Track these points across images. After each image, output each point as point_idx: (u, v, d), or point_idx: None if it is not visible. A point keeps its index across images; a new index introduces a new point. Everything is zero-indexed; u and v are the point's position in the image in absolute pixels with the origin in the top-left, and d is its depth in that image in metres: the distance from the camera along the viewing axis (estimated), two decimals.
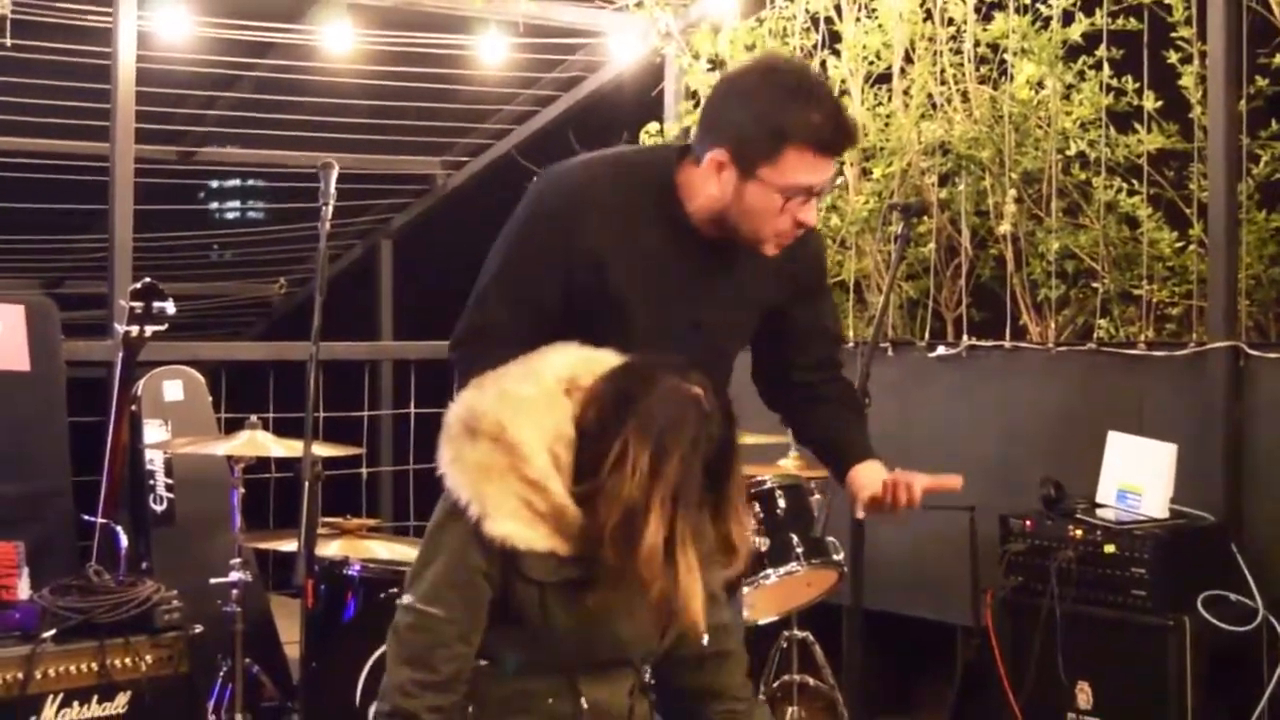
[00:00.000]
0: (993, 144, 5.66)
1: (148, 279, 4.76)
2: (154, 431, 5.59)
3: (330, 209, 4.08)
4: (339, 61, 6.82)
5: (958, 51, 5.83)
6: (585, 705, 2.71)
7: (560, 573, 2.62)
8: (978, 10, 5.75)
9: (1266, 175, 5.12)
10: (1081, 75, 5.52)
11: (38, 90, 6.64)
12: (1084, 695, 4.56)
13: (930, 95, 5.90)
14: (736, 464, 2.70)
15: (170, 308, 4.74)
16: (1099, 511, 4.76)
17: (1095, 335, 5.34)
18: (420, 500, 7.47)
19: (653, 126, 6.56)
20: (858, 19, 6.12)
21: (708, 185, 3.03)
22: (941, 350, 5.67)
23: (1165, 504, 4.71)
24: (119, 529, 4.76)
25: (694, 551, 2.60)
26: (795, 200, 3.00)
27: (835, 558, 4.78)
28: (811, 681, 5.27)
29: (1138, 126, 5.37)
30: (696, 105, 6.09)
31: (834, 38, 6.21)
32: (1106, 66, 5.42)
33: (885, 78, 6.09)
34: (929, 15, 5.89)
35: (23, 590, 4.42)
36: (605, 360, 2.73)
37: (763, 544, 4.64)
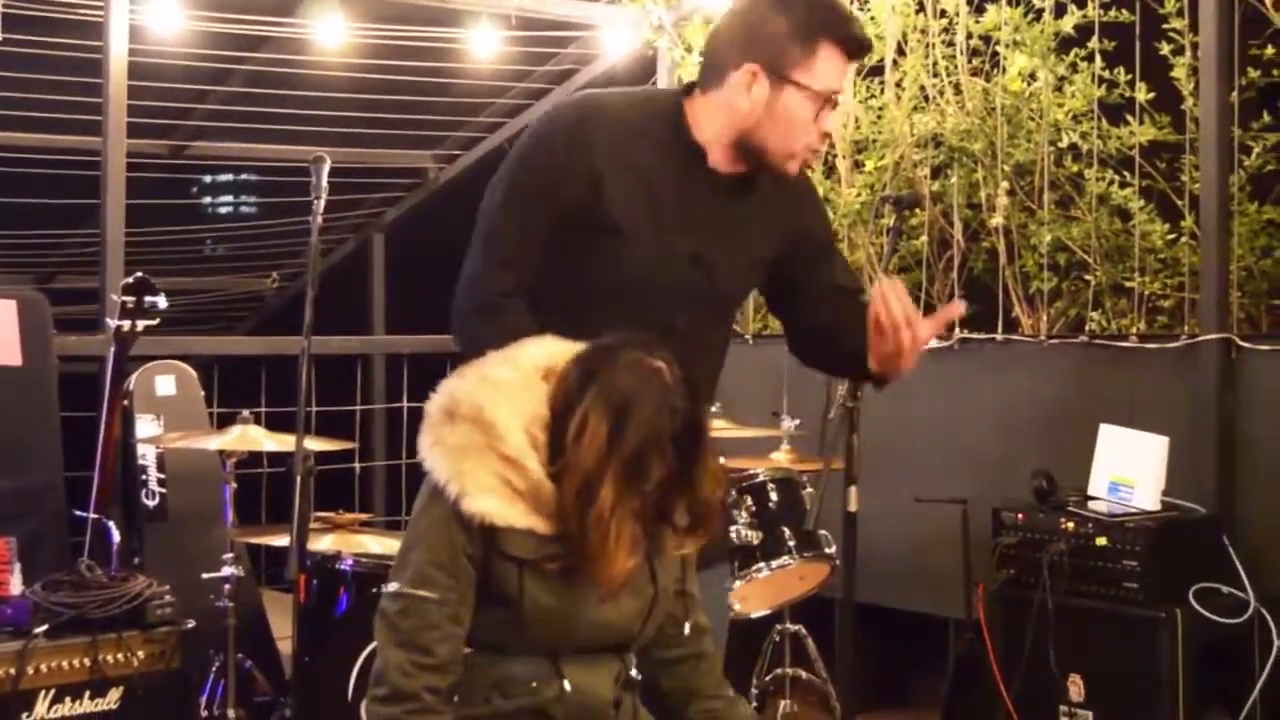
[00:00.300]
0: (985, 136, 5.66)
1: (139, 274, 4.76)
2: (146, 426, 5.59)
3: (322, 203, 4.07)
4: (331, 55, 6.82)
5: (950, 44, 5.83)
6: (568, 689, 2.72)
7: (540, 551, 2.64)
8: (970, 2, 5.75)
9: (1258, 167, 5.11)
10: (1074, 67, 5.52)
11: (29, 84, 6.62)
12: (1076, 687, 4.56)
13: (922, 87, 5.90)
14: (705, 436, 2.70)
15: (162, 302, 4.74)
16: (1091, 504, 4.76)
17: (1087, 328, 5.34)
18: (413, 494, 7.42)
19: None
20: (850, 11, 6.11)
21: (735, 102, 3.03)
22: (933, 343, 5.65)
23: (1157, 496, 4.71)
24: (111, 524, 4.75)
25: (631, 523, 2.63)
26: (825, 107, 3.05)
27: (827, 551, 4.80)
28: (804, 675, 5.28)
29: (1130, 118, 5.37)
30: None
31: None
32: (1098, 58, 5.41)
33: (878, 70, 6.09)
34: (921, 7, 5.89)
35: (15, 585, 4.43)
36: (581, 348, 2.76)
37: (755, 537, 4.65)
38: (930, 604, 5.51)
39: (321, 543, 4.62)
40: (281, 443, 4.72)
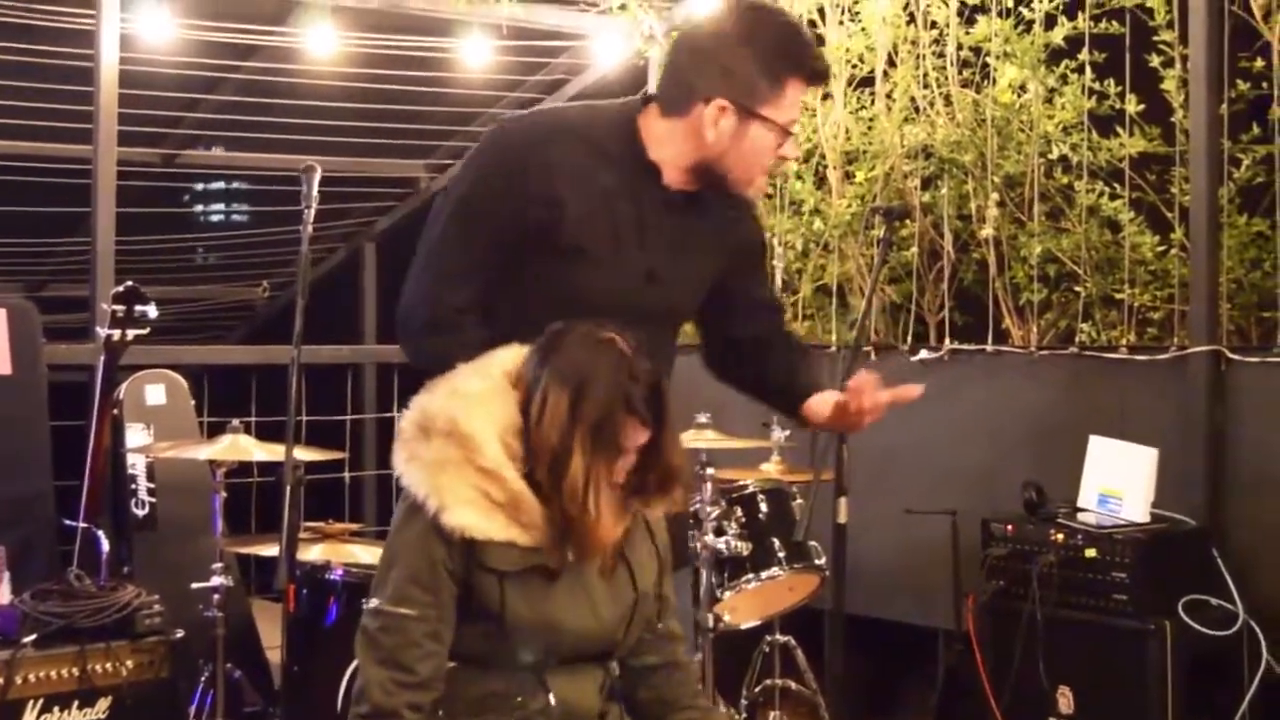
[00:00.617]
0: (975, 147, 5.67)
1: (130, 282, 4.75)
2: (136, 435, 5.59)
3: (312, 212, 4.06)
4: (322, 64, 6.81)
5: (940, 55, 5.84)
6: (554, 703, 2.73)
7: (521, 562, 2.65)
8: (960, 14, 5.76)
9: (1248, 179, 5.12)
10: (1064, 79, 5.53)
11: (20, 93, 6.62)
12: (1065, 700, 4.56)
13: (913, 99, 5.91)
14: (667, 400, 2.75)
15: (152, 311, 4.73)
16: (1080, 516, 4.77)
17: (1077, 339, 5.34)
18: None
19: None
20: (841, 22, 6.13)
21: (701, 133, 3.05)
22: (924, 354, 5.67)
23: (1146, 508, 4.71)
24: (100, 533, 4.76)
25: (609, 489, 2.66)
26: (788, 137, 3.11)
27: (817, 562, 4.79)
28: (794, 686, 5.27)
29: (1120, 130, 5.38)
30: None
31: (817, 41, 6.20)
32: (1088, 70, 5.42)
33: (868, 81, 6.10)
34: (912, 19, 5.90)
35: (3, 595, 4.42)
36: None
37: (744, 548, 4.63)
38: (920, 615, 5.52)
39: (311, 553, 4.61)
40: (271, 452, 4.71)
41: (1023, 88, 5.59)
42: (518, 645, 2.69)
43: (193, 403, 5.86)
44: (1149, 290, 5.36)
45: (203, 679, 4.81)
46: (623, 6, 6.55)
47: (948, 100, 5.82)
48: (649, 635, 2.89)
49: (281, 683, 4.47)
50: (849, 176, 6.15)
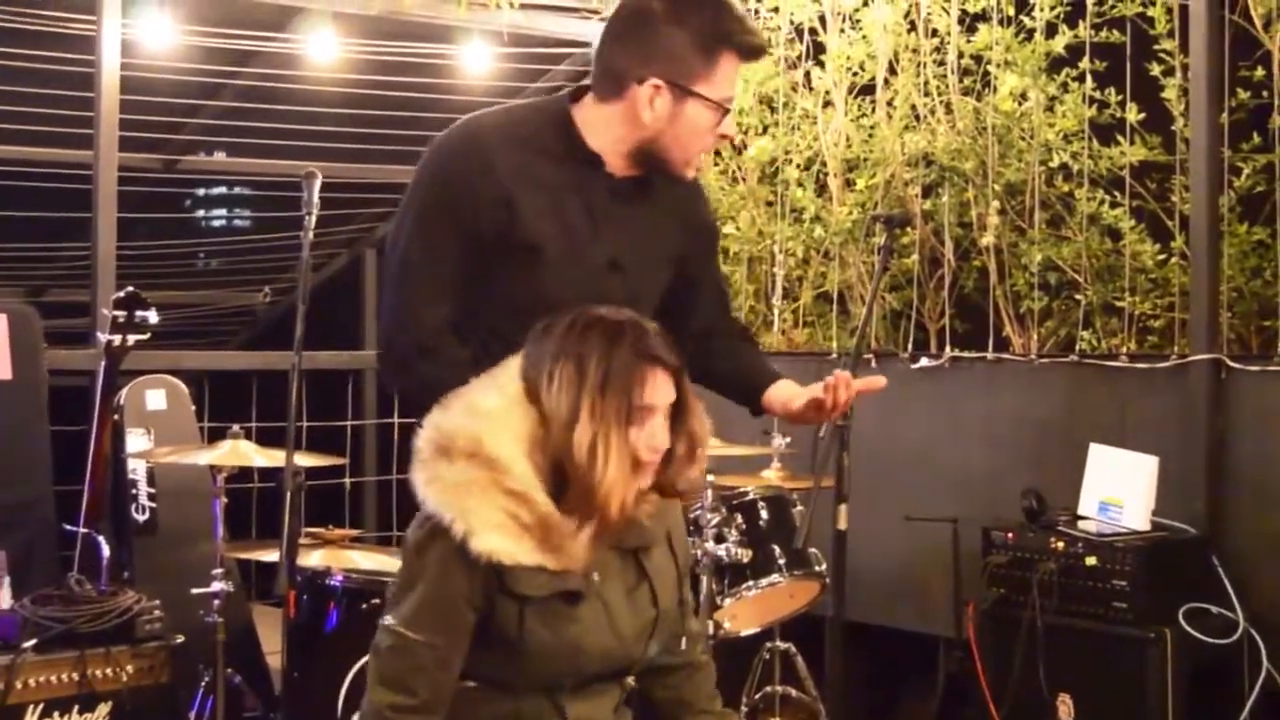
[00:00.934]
0: (976, 155, 5.68)
1: (130, 288, 4.76)
2: (136, 441, 5.58)
3: (313, 218, 4.07)
4: (323, 70, 6.82)
5: (941, 63, 5.85)
6: None
7: (550, 586, 2.61)
8: (961, 22, 5.76)
9: (1248, 188, 5.12)
10: (1064, 87, 5.54)
11: (21, 98, 6.62)
12: (1065, 707, 4.56)
13: (914, 107, 5.92)
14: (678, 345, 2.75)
15: (153, 317, 4.74)
16: (1080, 524, 4.77)
17: (1077, 347, 5.34)
18: (404, 510, 7.43)
19: None
20: (842, 30, 6.14)
21: (637, 115, 3.03)
22: (924, 361, 5.67)
23: (1147, 516, 4.71)
24: (101, 538, 4.76)
25: (623, 453, 2.63)
26: (726, 115, 3.08)
27: (817, 569, 4.80)
28: (794, 693, 5.27)
29: (1120, 139, 5.38)
30: None
31: (818, 49, 6.23)
32: (1089, 78, 5.43)
33: (869, 89, 6.11)
34: (913, 27, 5.91)
35: (3, 600, 4.42)
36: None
37: (745, 555, 4.64)
38: (920, 622, 5.52)
39: (311, 558, 4.61)
40: (272, 458, 4.71)
41: (1024, 96, 5.59)
42: (536, 669, 2.65)
43: (193, 408, 5.86)
44: (1149, 298, 5.36)
45: (203, 684, 4.81)
46: None
47: (948, 108, 5.83)
48: (672, 640, 2.87)
49: (282, 688, 4.46)
50: (850, 184, 6.16)
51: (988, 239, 5.58)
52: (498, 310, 3.02)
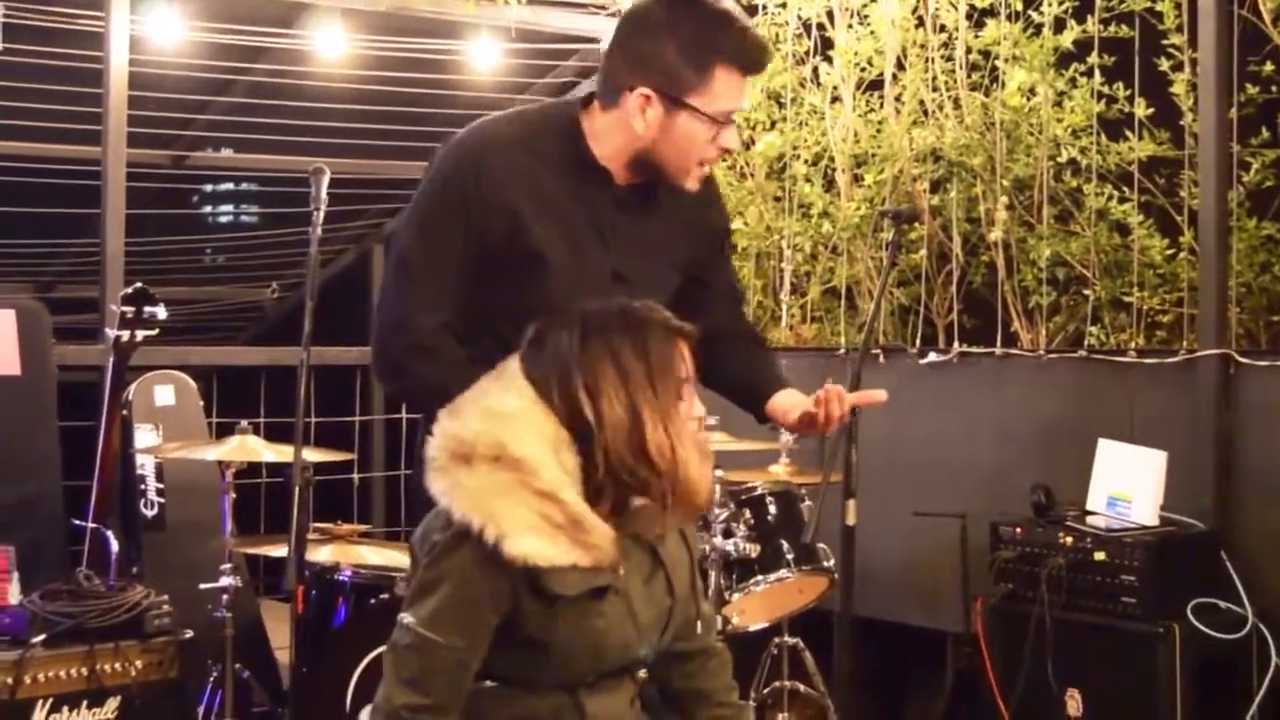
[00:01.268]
0: (984, 151, 5.67)
1: (139, 284, 4.77)
2: (145, 436, 5.59)
3: (322, 214, 4.06)
4: (332, 66, 6.82)
5: (949, 58, 5.84)
6: None
7: (582, 584, 2.60)
8: (969, 17, 5.76)
9: (1257, 183, 5.12)
10: (1073, 82, 5.53)
11: (30, 94, 6.62)
12: (1074, 702, 4.56)
13: (922, 102, 5.92)
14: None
15: (161, 312, 4.75)
16: (1089, 519, 4.76)
17: (1086, 342, 5.34)
18: (412, 506, 7.43)
19: None
20: (850, 25, 6.14)
21: (630, 124, 3.02)
22: (933, 357, 5.67)
23: (1155, 511, 4.71)
24: (109, 534, 4.77)
25: (688, 432, 2.64)
26: (723, 127, 3.04)
27: (826, 564, 4.79)
28: (802, 688, 5.27)
29: (1129, 133, 5.38)
30: None
31: (826, 44, 6.23)
32: (1098, 73, 5.42)
33: (877, 84, 6.11)
34: (921, 22, 5.91)
35: (13, 595, 4.42)
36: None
37: (753, 550, 4.64)
38: (928, 618, 5.51)
39: (320, 553, 4.62)
40: (280, 453, 4.72)
41: (1032, 91, 5.59)
42: (559, 666, 2.64)
43: (201, 404, 5.87)
44: (1158, 294, 5.36)
45: (211, 679, 4.82)
46: None
47: (957, 103, 5.82)
48: (686, 626, 2.87)
49: (290, 683, 4.47)
50: (858, 179, 6.15)
51: (996, 234, 5.57)
52: (502, 317, 2.99)
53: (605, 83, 3.09)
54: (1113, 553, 4.54)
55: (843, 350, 5.98)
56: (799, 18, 6.26)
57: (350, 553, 4.69)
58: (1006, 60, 5.62)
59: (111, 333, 4.75)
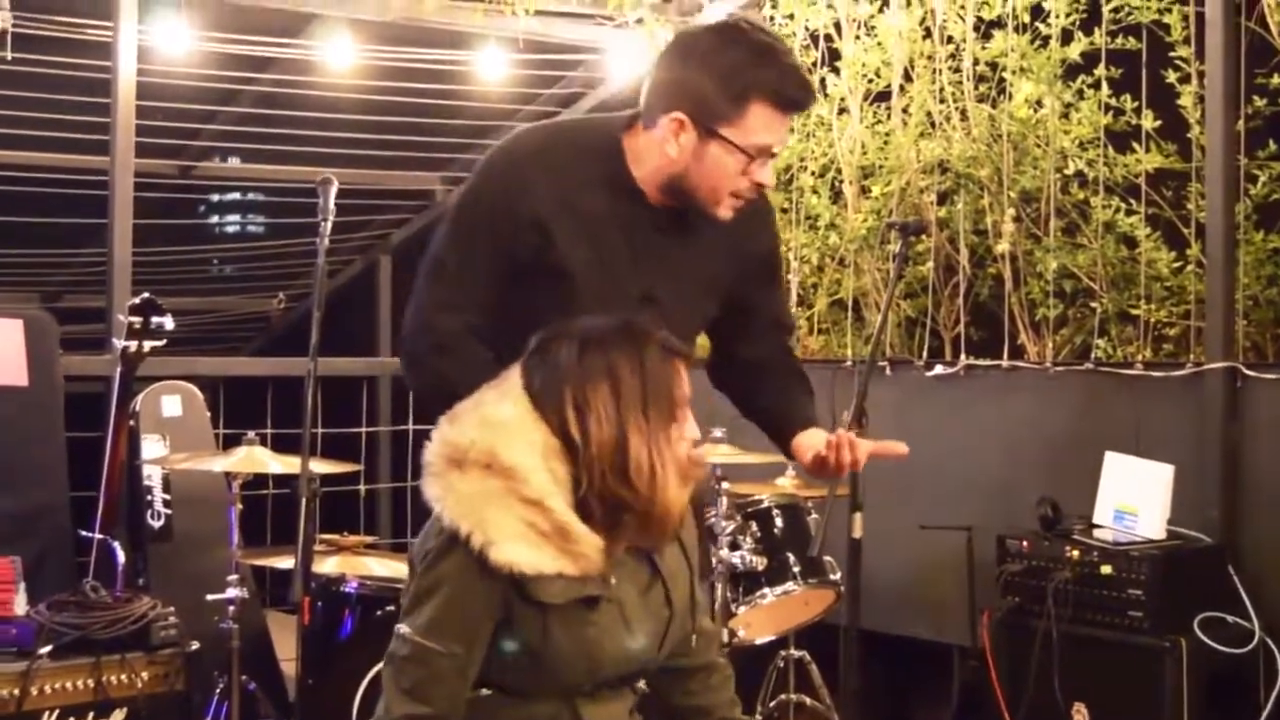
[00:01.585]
0: (991, 163, 5.67)
1: (146, 294, 4.77)
2: (152, 447, 5.59)
3: (329, 225, 4.08)
4: (339, 76, 6.83)
5: (957, 70, 5.84)
6: None
7: (568, 593, 2.60)
8: (976, 29, 5.76)
9: (1264, 195, 5.12)
10: (1080, 94, 5.53)
11: (38, 104, 6.64)
12: (1080, 717, 4.55)
13: (929, 113, 5.91)
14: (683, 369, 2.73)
15: (169, 323, 4.75)
16: (1096, 532, 4.76)
17: (1093, 355, 5.33)
18: (418, 517, 7.44)
19: None
20: (857, 37, 6.14)
21: (664, 148, 2.99)
22: (939, 369, 5.67)
23: (1162, 525, 4.70)
24: (116, 544, 4.77)
25: (675, 461, 2.63)
26: (756, 161, 2.99)
27: (832, 577, 4.79)
28: (808, 701, 5.27)
29: (1136, 146, 5.38)
30: None
31: (833, 55, 6.23)
32: (1105, 86, 5.42)
33: (884, 96, 6.11)
34: (928, 34, 5.91)
35: (19, 606, 4.43)
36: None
37: (760, 563, 4.64)
38: (935, 631, 5.51)
39: (326, 565, 4.62)
40: (287, 464, 4.72)
41: (1039, 103, 5.59)
42: (554, 674, 2.64)
43: (208, 414, 5.87)
44: (1165, 306, 5.35)
45: (218, 691, 4.82)
46: (639, 20, 6.56)
47: (964, 115, 5.82)
48: (684, 640, 2.87)
49: (296, 695, 4.47)
50: (865, 191, 6.15)
51: (1003, 246, 5.57)
52: (528, 330, 2.99)
53: (646, 104, 3.06)
54: (1120, 566, 4.53)
55: (850, 362, 5.98)
56: (806, 29, 6.26)
57: (356, 564, 4.70)
58: (1014, 72, 5.62)
59: (119, 343, 4.75)
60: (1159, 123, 5.33)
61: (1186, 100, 5.21)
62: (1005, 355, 5.53)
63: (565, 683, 2.67)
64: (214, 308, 9.63)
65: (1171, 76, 5.24)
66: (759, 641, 4.94)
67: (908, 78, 6.00)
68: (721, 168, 2.99)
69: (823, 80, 6.23)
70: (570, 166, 3.06)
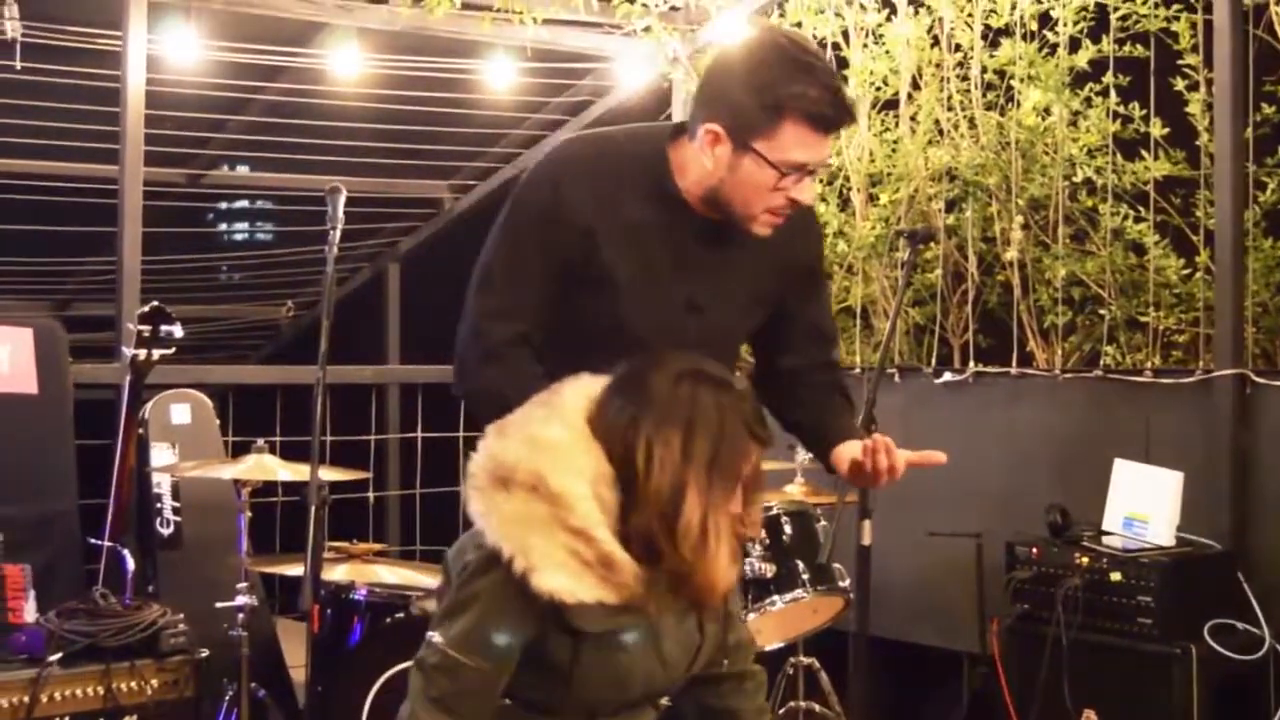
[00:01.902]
0: (999, 170, 5.67)
1: (155, 302, 4.77)
2: (161, 455, 5.60)
3: (338, 233, 4.07)
4: (347, 85, 6.84)
5: (965, 78, 5.85)
6: None
7: (607, 621, 2.60)
8: (984, 37, 5.77)
9: (1273, 202, 5.12)
10: (1088, 102, 5.54)
11: (48, 113, 6.66)
12: None
13: (937, 121, 5.92)
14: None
15: (178, 331, 4.75)
16: (1105, 539, 4.76)
17: (1102, 362, 5.34)
18: (427, 525, 7.48)
19: None
20: (865, 45, 6.14)
21: (701, 159, 2.98)
22: (948, 376, 5.67)
23: (1172, 532, 4.70)
24: (126, 552, 4.77)
25: (727, 531, 2.59)
26: (790, 177, 2.96)
27: (841, 584, 4.79)
28: (817, 708, 5.27)
29: (1144, 153, 5.38)
30: None
31: (841, 64, 6.23)
32: (1113, 93, 5.43)
33: (892, 104, 6.11)
34: (936, 42, 5.92)
35: (29, 613, 4.43)
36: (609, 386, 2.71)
37: (769, 570, 4.64)
38: (944, 638, 5.51)
39: (336, 572, 4.62)
40: (296, 472, 4.72)
41: (1047, 111, 5.59)
42: (580, 695, 2.65)
43: (217, 422, 5.88)
44: (1174, 313, 5.36)
45: (227, 698, 4.81)
46: (647, 29, 6.56)
47: (972, 123, 5.83)
48: (716, 655, 2.87)
49: (306, 702, 4.46)
50: (873, 199, 6.16)
51: (1011, 254, 5.57)
52: (574, 334, 3.01)
53: (690, 115, 3.06)
54: (1129, 573, 4.53)
55: (858, 370, 5.98)
56: (814, 37, 6.26)
57: (366, 572, 4.69)
58: (1022, 80, 5.62)
59: (128, 351, 4.76)
60: (1167, 130, 5.34)
61: (1195, 107, 5.22)
62: (1014, 362, 5.53)
63: (590, 703, 2.67)
64: (223, 315, 9.64)
65: (1180, 84, 5.25)
66: (768, 648, 4.93)
67: (916, 85, 6.01)
68: (754, 182, 2.96)
69: None
70: (617, 175, 3.05)
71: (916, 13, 5.93)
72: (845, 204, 6.28)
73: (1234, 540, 4.78)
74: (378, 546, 5.03)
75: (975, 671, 5.08)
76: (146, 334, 4.70)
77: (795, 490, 5.09)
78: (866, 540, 3.78)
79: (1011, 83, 5.68)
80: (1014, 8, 5.63)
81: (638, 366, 2.67)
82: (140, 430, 5.41)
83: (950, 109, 5.88)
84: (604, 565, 2.54)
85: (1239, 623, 4.57)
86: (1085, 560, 4.63)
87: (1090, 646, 4.56)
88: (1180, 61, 5.25)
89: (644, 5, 6.44)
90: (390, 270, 9.23)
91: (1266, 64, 5.02)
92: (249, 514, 4.87)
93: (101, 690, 4.25)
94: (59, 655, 4.20)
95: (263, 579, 5.45)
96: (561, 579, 2.52)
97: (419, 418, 7.53)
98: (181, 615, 4.48)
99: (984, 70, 5.78)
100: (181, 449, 5.64)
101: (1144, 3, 5.37)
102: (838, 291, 6.31)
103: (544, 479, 2.54)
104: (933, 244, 5.85)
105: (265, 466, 4.81)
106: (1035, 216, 5.64)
